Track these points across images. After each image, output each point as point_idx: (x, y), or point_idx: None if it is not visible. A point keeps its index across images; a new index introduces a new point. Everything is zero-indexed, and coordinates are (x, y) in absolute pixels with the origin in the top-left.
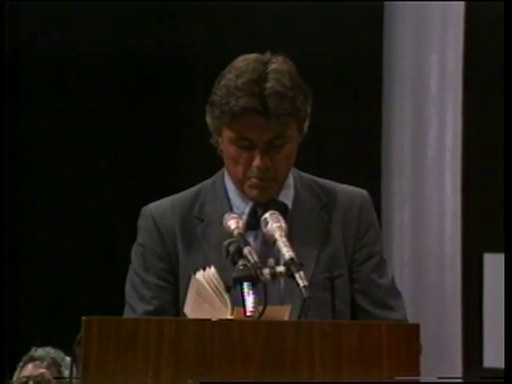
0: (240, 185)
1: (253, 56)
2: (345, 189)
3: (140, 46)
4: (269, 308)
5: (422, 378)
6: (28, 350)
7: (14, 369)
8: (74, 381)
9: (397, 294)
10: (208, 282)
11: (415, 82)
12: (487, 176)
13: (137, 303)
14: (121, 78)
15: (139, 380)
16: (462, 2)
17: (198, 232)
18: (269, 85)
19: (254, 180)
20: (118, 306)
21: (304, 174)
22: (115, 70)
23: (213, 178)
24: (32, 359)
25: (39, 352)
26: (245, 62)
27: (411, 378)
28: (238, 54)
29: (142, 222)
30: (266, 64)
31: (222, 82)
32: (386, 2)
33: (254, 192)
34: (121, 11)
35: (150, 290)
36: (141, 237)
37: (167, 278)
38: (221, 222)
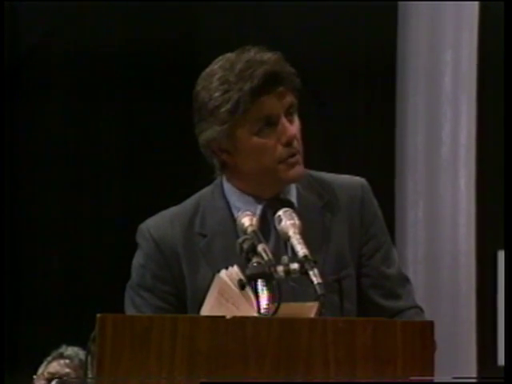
0: (273, 173)
1: (227, 54)
2: (344, 181)
3: (151, 45)
4: (295, 305)
5: (436, 378)
6: (43, 348)
7: (37, 364)
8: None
9: (405, 281)
10: (232, 281)
11: (429, 79)
12: (501, 173)
13: None
14: (129, 79)
15: (153, 376)
16: (476, 2)
17: (201, 248)
18: (266, 56)
19: (288, 159)
20: None
21: None
22: (123, 70)
23: (211, 188)
24: (61, 356)
25: (69, 351)
26: (224, 59)
27: (425, 378)
28: None
29: (142, 242)
30: (244, 52)
31: (214, 84)
32: (400, 3)
33: (294, 171)
34: (130, 10)
35: (153, 311)
36: (142, 257)
37: (170, 300)
38: (224, 235)
